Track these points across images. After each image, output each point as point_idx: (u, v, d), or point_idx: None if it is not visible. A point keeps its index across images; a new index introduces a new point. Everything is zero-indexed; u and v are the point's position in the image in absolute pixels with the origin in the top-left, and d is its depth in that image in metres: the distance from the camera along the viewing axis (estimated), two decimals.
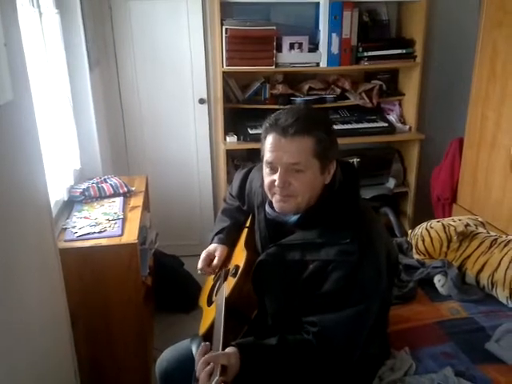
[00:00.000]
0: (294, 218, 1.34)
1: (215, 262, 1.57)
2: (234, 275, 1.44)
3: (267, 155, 1.29)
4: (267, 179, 1.32)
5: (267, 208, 1.41)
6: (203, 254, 1.59)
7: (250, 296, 1.38)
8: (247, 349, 1.23)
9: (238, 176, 1.73)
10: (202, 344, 1.26)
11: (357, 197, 1.38)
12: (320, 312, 1.26)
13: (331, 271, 1.25)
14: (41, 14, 2.02)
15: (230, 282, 1.44)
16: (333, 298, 1.25)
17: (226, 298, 1.37)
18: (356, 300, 1.24)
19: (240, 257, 1.49)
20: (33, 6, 1.93)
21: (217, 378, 1.12)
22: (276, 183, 1.28)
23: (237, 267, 1.46)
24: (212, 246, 1.61)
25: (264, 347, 1.26)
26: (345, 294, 1.24)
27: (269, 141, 1.28)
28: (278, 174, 1.27)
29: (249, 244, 1.52)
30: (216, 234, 1.65)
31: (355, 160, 3.03)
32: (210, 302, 1.56)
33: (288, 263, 1.32)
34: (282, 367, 1.25)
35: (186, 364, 1.40)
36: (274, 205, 1.34)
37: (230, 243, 1.62)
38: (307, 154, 1.25)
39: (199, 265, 1.58)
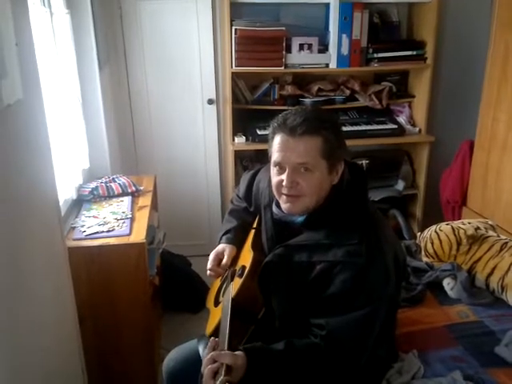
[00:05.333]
0: (301, 218, 1.34)
1: (224, 260, 1.55)
2: (241, 275, 1.43)
3: (275, 155, 1.29)
4: (275, 179, 1.32)
5: (274, 208, 1.40)
6: (212, 255, 1.58)
7: (257, 296, 1.38)
8: (254, 353, 1.23)
9: (245, 177, 1.73)
10: (211, 339, 1.26)
11: (365, 198, 1.38)
12: (328, 314, 1.25)
13: (338, 272, 1.24)
14: (52, 13, 2.03)
15: (237, 283, 1.43)
16: (340, 300, 1.24)
17: (232, 299, 1.37)
18: (363, 302, 1.23)
19: (247, 257, 1.49)
20: (44, 5, 1.94)
21: (222, 377, 1.12)
22: (284, 183, 1.28)
23: (243, 268, 1.46)
24: (220, 246, 1.60)
25: (271, 352, 1.25)
26: (352, 296, 1.24)
27: (277, 141, 1.28)
28: (285, 174, 1.27)
29: (255, 245, 1.52)
30: (224, 235, 1.65)
31: (364, 162, 3.02)
32: (216, 303, 1.56)
33: (295, 264, 1.31)
34: (289, 372, 1.25)
35: (192, 364, 1.40)
36: (282, 206, 1.34)
37: (237, 243, 1.62)
38: (315, 153, 1.25)
39: (209, 265, 1.56)
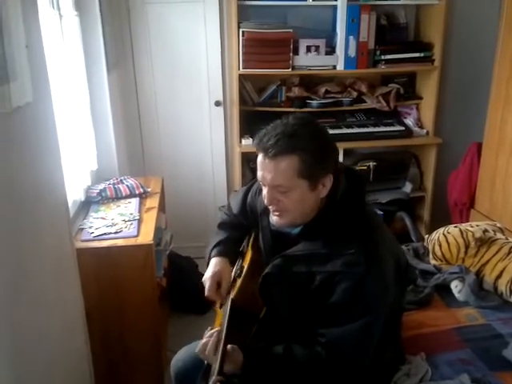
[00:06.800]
0: (297, 230, 1.33)
1: (224, 284, 1.47)
2: (240, 276, 1.45)
3: (257, 172, 1.29)
4: (263, 193, 1.31)
5: (271, 218, 1.39)
6: (208, 279, 1.48)
7: (256, 296, 1.38)
8: (252, 351, 1.26)
9: (237, 192, 1.71)
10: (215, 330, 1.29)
11: (361, 206, 1.35)
12: (328, 323, 1.25)
13: (338, 282, 1.23)
14: (61, 16, 2.05)
15: (237, 283, 1.45)
16: (340, 310, 1.24)
17: (231, 299, 1.38)
18: (363, 311, 1.23)
19: (247, 258, 1.51)
20: (53, 8, 1.96)
21: (214, 377, 1.14)
22: (265, 201, 1.29)
23: (242, 268, 1.47)
24: (215, 268, 1.51)
25: (269, 354, 1.27)
26: (352, 306, 1.23)
27: (258, 158, 1.27)
28: (266, 192, 1.28)
29: (254, 245, 1.53)
30: (214, 247, 1.58)
31: (371, 164, 3.01)
32: (221, 305, 1.57)
33: (294, 275, 1.30)
34: (285, 376, 1.26)
35: (200, 364, 1.40)
36: (272, 218, 1.35)
37: (229, 254, 1.56)
38: (290, 175, 1.22)
39: (206, 291, 1.47)
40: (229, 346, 1.22)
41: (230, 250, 1.57)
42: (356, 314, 1.23)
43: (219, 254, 1.55)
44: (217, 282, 1.48)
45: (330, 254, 1.26)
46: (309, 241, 1.32)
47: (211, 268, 1.51)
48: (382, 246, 1.29)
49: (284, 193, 1.24)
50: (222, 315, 1.37)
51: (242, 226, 1.65)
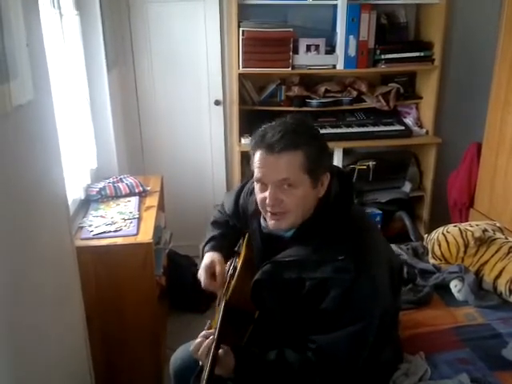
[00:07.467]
0: (290, 232, 1.32)
1: (218, 270, 1.48)
2: (233, 276, 1.45)
3: (256, 172, 1.26)
4: (259, 196, 1.29)
5: (262, 222, 1.38)
6: (202, 271, 1.49)
7: (249, 297, 1.37)
8: (244, 355, 1.26)
9: (231, 192, 1.70)
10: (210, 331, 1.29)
11: (350, 209, 1.34)
12: (319, 330, 1.25)
13: (329, 289, 1.22)
14: (61, 15, 2.05)
15: (231, 283, 1.45)
16: (331, 317, 1.23)
17: (225, 301, 1.37)
18: (354, 318, 1.22)
19: (240, 257, 1.51)
20: (54, 7, 1.96)
21: (211, 356, 1.15)
22: (267, 201, 1.26)
23: (235, 269, 1.47)
24: (208, 259, 1.52)
25: (262, 359, 1.27)
26: (342, 313, 1.22)
27: (257, 157, 1.25)
28: (268, 192, 1.25)
29: (249, 244, 1.52)
30: (207, 243, 1.59)
31: (371, 163, 3.01)
32: (219, 303, 1.57)
33: (285, 281, 1.29)
34: (277, 381, 1.26)
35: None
36: (268, 223, 1.32)
37: (223, 248, 1.57)
38: (296, 169, 1.22)
39: (203, 283, 1.49)
40: (220, 351, 1.21)
41: (223, 245, 1.58)
42: (346, 320, 1.22)
43: (212, 249, 1.56)
44: (211, 272, 1.49)
45: (321, 260, 1.25)
46: (300, 245, 1.30)
47: (204, 261, 1.53)
48: (373, 250, 1.29)
49: (288, 189, 1.23)
50: (217, 316, 1.37)
51: (235, 226, 1.65)
